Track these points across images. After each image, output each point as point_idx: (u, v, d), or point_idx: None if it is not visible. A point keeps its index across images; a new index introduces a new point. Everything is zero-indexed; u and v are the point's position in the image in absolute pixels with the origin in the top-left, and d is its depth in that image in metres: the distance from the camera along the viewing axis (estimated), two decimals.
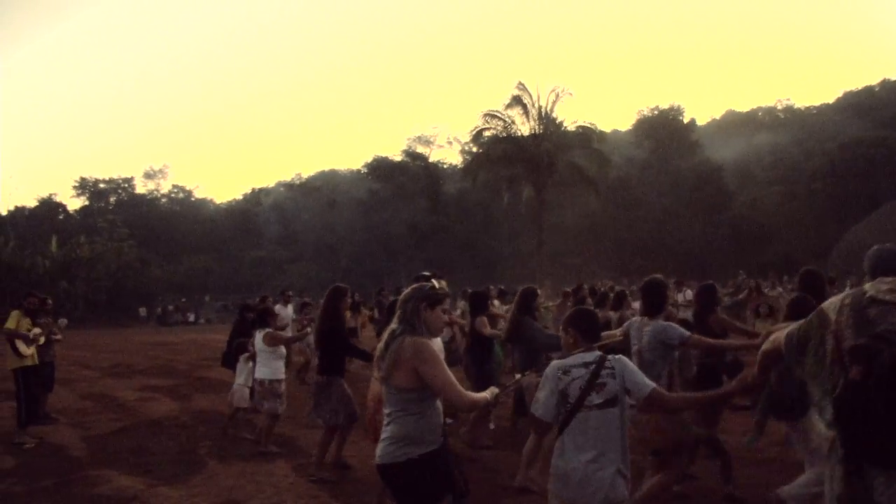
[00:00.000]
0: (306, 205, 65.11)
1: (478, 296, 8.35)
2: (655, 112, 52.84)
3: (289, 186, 70.71)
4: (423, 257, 45.74)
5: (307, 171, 78.07)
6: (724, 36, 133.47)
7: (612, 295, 9.55)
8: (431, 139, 60.30)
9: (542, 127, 38.37)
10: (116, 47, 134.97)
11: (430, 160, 58.30)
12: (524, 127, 38.69)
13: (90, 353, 19.86)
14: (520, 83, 38.34)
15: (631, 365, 3.31)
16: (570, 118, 39.41)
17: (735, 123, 66.46)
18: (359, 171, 64.02)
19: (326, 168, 78.99)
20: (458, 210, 52.03)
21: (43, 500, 6.07)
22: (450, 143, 61.32)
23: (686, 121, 53.74)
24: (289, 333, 10.49)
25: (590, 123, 38.67)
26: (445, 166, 60.13)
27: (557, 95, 38.38)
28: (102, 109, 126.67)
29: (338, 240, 56.92)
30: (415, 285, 3.47)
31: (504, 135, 38.85)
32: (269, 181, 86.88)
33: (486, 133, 39.96)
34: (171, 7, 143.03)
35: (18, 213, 62.04)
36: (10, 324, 8.44)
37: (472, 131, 41.97)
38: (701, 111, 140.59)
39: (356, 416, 6.40)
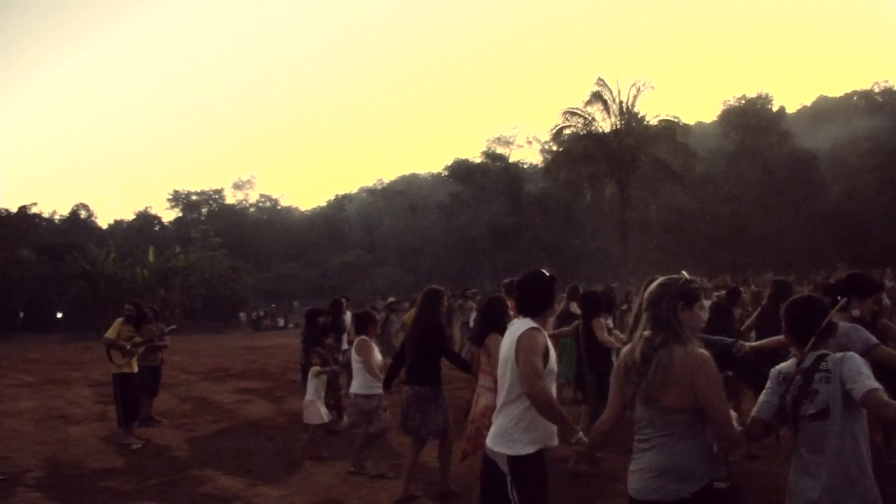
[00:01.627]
0: (388, 209, 66.09)
1: (591, 296, 7.45)
2: (742, 101, 50.90)
3: (371, 192, 71.93)
4: (505, 258, 45.70)
5: (389, 176, 79.15)
6: (813, 18, 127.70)
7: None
8: (511, 139, 60.16)
9: (623, 122, 37.66)
10: (202, 66, 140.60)
11: (511, 161, 58.15)
12: (605, 123, 38.09)
13: (188, 357, 20.69)
14: (599, 79, 37.78)
15: (853, 362, 2.70)
16: (652, 112, 38.52)
17: (828, 109, 63.47)
18: (439, 174, 64.53)
19: (407, 172, 79.99)
20: (539, 210, 51.66)
21: (151, 498, 6.34)
22: (529, 142, 60.97)
23: (775, 109, 51.64)
24: (344, 344, 10.22)
25: (673, 116, 37.73)
26: (526, 166, 59.86)
27: (638, 89, 37.62)
28: (193, 124, 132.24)
29: (420, 243, 57.52)
30: (663, 279, 2.84)
31: (584, 132, 38.30)
32: (352, 187, 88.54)
33: (567, 131, 39.48)
34: (251, 24, 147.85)
35: (117, 227, 65.67)
36: (111, 333, 8.85)
37: (551, 130, 41.59)
38: (791, 98, 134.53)
39: (450, 430, 5.96)
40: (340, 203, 70.48)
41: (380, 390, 6.59)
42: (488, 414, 4.66)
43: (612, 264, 40.80)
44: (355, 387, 6.69)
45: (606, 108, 37.73)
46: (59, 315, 46.41)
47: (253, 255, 55.92)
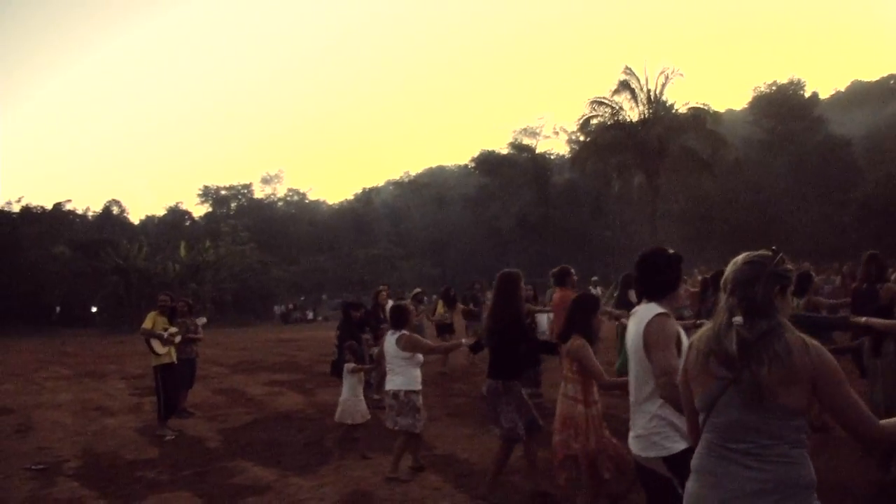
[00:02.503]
0: (415, 202, 66.18)
1: None
2: (773, 88, 49.94)
3: (398, 185, 72.10)
4: (533, 250, 45.58)
5: (415, 169, 79.35)
6: (846, 0, 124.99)
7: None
8: (537, 130, 59.73)
9: (651, 111, 37.31)
10: (231, 62, 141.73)
11: (537, 152, 57.79)
12: (633, 112, 37.78)
13: (219, 350, 20.95)
14: (627, 67, 37.47)
15: None
16: (680, 100, 38.18)
17: (862, 94, 61.93)
18: (466, 166, 64.42)
19: (434, 165, 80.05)
20: (567, 201, 51.36)
21: (185, 488, 6.45)
22: (556, 133, 60.45)
23: (808, 95, 50.62)
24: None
25: (702, 104, 37.23)
26: (553, 157, 59.42)
27: (667, 77, 37.25)
28: (221, 120, 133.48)
29: (448, 235, 57.56)
30: (751, 256, 2.32)
31: (612, 121, 38.01)
32: (378, 180, 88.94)
33: (594, 121, 39.20)
34: (278, 20, 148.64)
35: (149, 222, 66.77)
36: (147, 324, 9.01)
37: (578, 120, 41.25)
38: (824, 83, 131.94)
39: (538, 427, 5.49)
40: (367, 196, 70.77)
41: (420, 385, 6.32)
42: (568, 424, 4.53)
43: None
44: (398, 383, 6.25)
45: (634, 96, 37.43)
46: (94, 309, 47.35)
47: (281, 249, 56.39)
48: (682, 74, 37.93)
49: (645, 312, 3.10)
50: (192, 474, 6.94)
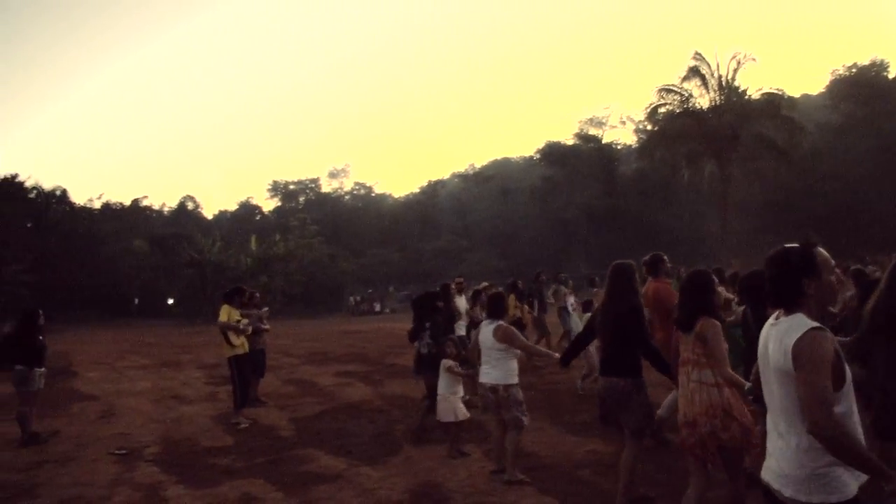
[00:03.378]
0: (481, 194, 66.10)
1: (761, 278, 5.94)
2: (853, 70, 47.66)
3: (463, 177, 72.16)
4: (599, 241, 45.00)
5: (480, 161, 79.24)
6: None
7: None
8: (604, 120, 58.87)
9: (722, 98, 36.29)
10: (297, 59, 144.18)
11: (604, 142, 56.96)
12: (703, 99, 36.89)
13: (289, 341, 21.41)
14: (696, 53, 36.54)
15: None
16: (753, 85, 36.94)
17: None
18: (531, 157, 63.97)
19: (499, 157, 79.77)
20: (634, 191, 50.40)
21: (259, 475, 6.60)
22: (623, 122, 59.43)
23: (891, 76, 48.25)
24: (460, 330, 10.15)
25: (777, 89, 36.06)
26: (620, 147, 58.45)
27: (739, 62, 36.20)
28: (289, 117, 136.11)
29: (513, 228, 57.30)
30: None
31: (681, 109, 37.14)
32: (444, 173, 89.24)
33: (662, 109, 38.45)
34: (343, 16, 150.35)
35: (222, 217, 68.81)
36: (223, 317, 9.25)
37: (646, 109, 40.53)
38: None
39: (655, 428, 5.24)
40: (433, 189, 71.05)
41: (517, 379, 5.96)
42: (717, 413, 4.05)
43: (712, 246, 39.32)
44: (495, 377, 5.90)
45: (704, 83, 36.50)
46: (170, 301, 49.10)
47: (348, 242, 57.15)
48: (754, 59, 36.74)
49: (791, 325, 2.49)
50: (265, 462, 7.11)
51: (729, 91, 36.43)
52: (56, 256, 45.31)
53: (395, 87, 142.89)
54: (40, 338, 8.70)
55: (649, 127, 45.39)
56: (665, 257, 7.26)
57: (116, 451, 7.77)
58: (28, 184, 49.06)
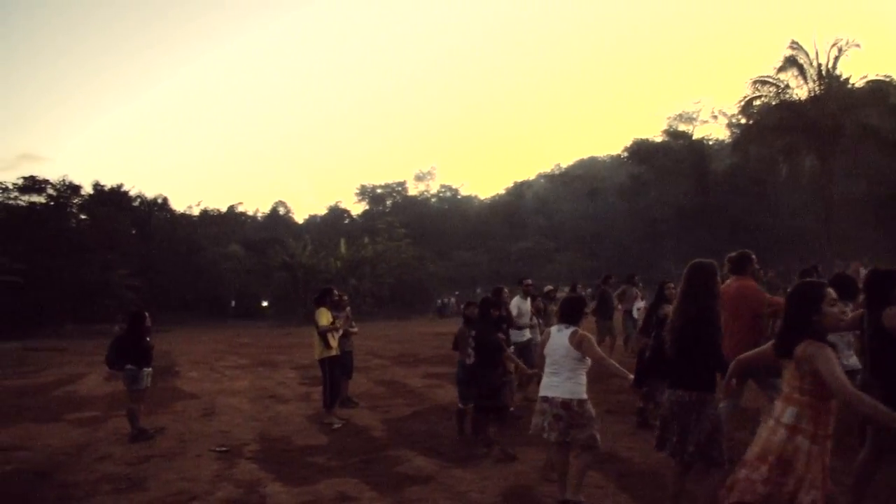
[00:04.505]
0: (567, 194, 65.42)
1: (883, 276, 5.07)
2: None
3: (549, 178, 71.74)
4: (690, 240, 43.57)
5: (566, 161, 78.57)
6: None
7: None
8: (694, 115, 57.23)
9: (822, 87, 34.46)
10: (383, 64, 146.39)
11: (694, 138, 55.26)
12: (801, 90, 35.03)
13: (379, 343, 21.71)
14: (793, 42, 34.76)
15: None
16: (857, 73, 34.94)
17: None
18: (618, 155, 62.85)
19: (586, 156, 78.89)
20: (728, 188, 48.55)
21: (354, 475, 6.70)
22: (714, 117, 57.60)
23: None
24: (527, 333, 10.05)
25: (884, 76, 33.93)
26: (711, 142, 56.61)
27: (840, 49, 34.17)
28: (376, 121, 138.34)
29: (601, 227, 56.37)
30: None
31: (777, 101, 35.54)
32: (530, 174, 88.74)
33: (757, 102, 36.88)
34: (428, 19, 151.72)
35: (311, 221, 70.79)
36: (323, 320, 9.48)
37: (739, 102, 38.97)
38: None
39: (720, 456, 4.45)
40: (519, 190, 70.84)
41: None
42: (773, 461, 3.40)
43: (812, 245, 37.48)
44: (567, 391, 5.30)
45: (802, 73, 34.75)
46: (265, 303, 50.74)
47: (435, 244, 57.53)
48: (858, 45, 34.62)
49: None
50: (359, 462, 7.21)
51: (829, 80, 34.59)
52: (159, 261, 47.59)
53: (479, 89, 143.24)
54: (147, 339, 9.13)
55: (743, 121, 43.77)
56: (754, 256, 6.71)
57: (217, 449, 8.05)
58: (132, 193, 51.70)
